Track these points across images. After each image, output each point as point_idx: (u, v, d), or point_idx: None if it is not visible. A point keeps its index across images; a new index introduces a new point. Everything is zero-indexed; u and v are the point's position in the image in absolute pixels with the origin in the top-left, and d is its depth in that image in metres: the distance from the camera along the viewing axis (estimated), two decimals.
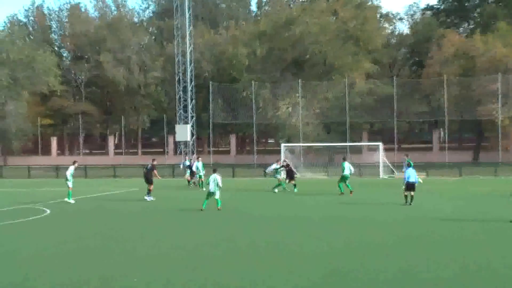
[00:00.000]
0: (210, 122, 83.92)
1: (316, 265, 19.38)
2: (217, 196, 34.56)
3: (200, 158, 54.35)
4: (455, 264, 19.35)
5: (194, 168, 53.11)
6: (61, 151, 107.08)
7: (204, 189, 44.59)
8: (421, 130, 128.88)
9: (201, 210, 34.13)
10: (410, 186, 35.15)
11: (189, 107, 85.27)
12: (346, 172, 42.87)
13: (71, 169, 40.77)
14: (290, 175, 47.27)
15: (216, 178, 34.63)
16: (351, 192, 42.10)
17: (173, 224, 30.13)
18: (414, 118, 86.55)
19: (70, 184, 40.34)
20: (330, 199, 40.20)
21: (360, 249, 22.14)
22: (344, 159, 44.98)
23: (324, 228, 27.59)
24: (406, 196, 35.16)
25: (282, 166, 48.49)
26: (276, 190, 45.83)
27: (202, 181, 50.03)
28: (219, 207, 34.37)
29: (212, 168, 38.76)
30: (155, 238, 25.55)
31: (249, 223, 29.58)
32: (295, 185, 46.00)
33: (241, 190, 48.74)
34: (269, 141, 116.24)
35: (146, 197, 40.92)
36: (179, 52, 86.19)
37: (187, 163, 56.58)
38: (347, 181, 42.91)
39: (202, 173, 51.67)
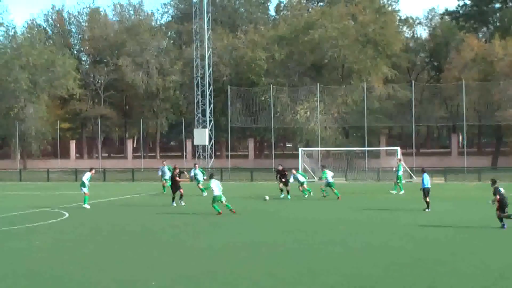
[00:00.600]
0: (228, 126, 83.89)
1: (338, 271, 19.37)
2: (224, 199, 34.73)
3: (197, 165, 52.67)
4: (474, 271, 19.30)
5: (159, 173, 53.20)
6: (80, 154, 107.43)
7: (205, 194, 44.80)
8: (439, 134, 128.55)
9: (219, 213, 34.20)
10: (425, 191, 35.21)
11: (208, 111, 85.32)
12: (331, 180, 44.34)
13: (87, 176, 40.62)
14: (284, 180, 45.44)
15: (218, 183, 35.29)
16: (338, 197, 43.20)
17: (192, 228, 30.10)
18: (432, 122, 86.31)
19: (85, 190, 40.18)
20: (348, 204, 40.14)
21: (379, 253, 22.11)
22: (324, 167, 47.38)
23: (342, 231, 27.55)
24: (428, 203, 35.14)
25: (277, 170, 47.58)
26: (306, 195, 45.51)
27: (201, 188, 48.69)
28: (232, 209, 34.59)
29: (209, 173, 39.42)
30: (173, 242, 25.57)
31: (266, 228, 29.50)
32: (288, 192, 44.81)
33: (259, 195, 48.60)
34: (287, 145, 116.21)
35: (180, 202, 39.96)
36: (197, 56, 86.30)
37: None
38: (334, 188, 43.95)
39: (201, 179, 49.94)
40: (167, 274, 19.29)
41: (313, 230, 28.37)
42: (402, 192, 48.10)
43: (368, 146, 76.97)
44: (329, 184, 43.97)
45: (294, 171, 46.79)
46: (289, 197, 44.44)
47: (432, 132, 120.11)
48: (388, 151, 74.49)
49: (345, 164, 72.30)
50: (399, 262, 20.67)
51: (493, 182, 28.92)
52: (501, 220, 27.88)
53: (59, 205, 41.13)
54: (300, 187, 45.81)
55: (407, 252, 22.62)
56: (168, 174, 49.74)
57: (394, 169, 51.88)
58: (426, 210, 34.86)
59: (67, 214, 36.39)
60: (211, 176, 36.42)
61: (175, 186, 40.61)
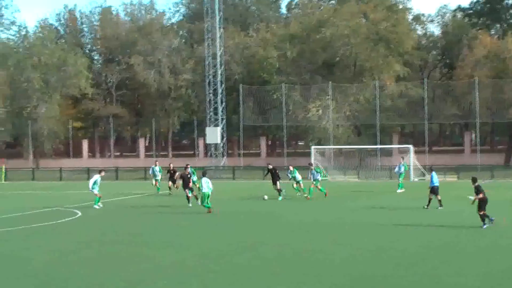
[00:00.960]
0: (241, 124, 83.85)
1: (343, 272, 19.33)
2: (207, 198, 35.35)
3: (157, 162, 53.32)
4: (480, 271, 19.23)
5: (150, 172, 52.90)
6: (92, 153, 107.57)
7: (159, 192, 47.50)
8: (452, 132, 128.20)
9: (209, 212, 34.86)
10: (435, 190, 35.35)
11: (220, 109, 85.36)
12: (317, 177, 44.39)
13: (95, 178, 40.42)
14: (274, 179, 44.48)
15: (208, 181, 35.79)
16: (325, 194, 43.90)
17: (198, 229, 29.93)
18: (445, 120, 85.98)
19: (95, 191, 40.01)
20: (360, 203, 40.08)
21: (389, 255, 22.05)
22: (310, 164, 47.56)
23: (352, 233, 27.51)
24: (440, 200, 35.27)
25: (267, 169, 45.66)
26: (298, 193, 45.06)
27: (157, 186, 50.46)
28: (209, 209, 35.05)
29: (202, 171, 39.27)
30: (180, 243, 25.47)
31: (274, 229, 29.39)
32: (279, 192, 43.71)
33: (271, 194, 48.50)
34: (299, 143, 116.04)
35: (198, 202, 38.17)
36: (209, 55, 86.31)
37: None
38: (319, 184, 44.30)
39: (158, 177, 51.15)
40: (174, 277, 19.30)
41: (318, 231, 28.35)
42: (400, 190, 47.76)
43: (380, 144, 76.87)
44: (315, 181, 43.91)
45: (291, 167, 45.94)
46: (280, 198, 43.41)
47: (444, 130, 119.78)
48: (401, 149, 74.29)
49: (357, 162, 72.15)
50: (404, 263, 20.64)
51: (474, 180, 28.61)
52: (483, 219, 27.70)
53: (72, 204, 41.22)
54: (295, 184, 45.07)
55: (412, 253, 22.55)
56: (159, 175, 50.91)
57: (396, 168, 51.34)
58: (425, 207, 35.24)
59: (79, 213, 36.48)
60: (203, 174, 36.66)
61: (185, 186, 40.27)
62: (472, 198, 28.23)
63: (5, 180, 75.84)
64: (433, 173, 35.96)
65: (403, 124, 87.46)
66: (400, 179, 49.03)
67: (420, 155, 71.08)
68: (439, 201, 35.12)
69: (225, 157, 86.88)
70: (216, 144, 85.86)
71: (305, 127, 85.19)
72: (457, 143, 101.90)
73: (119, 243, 25.80)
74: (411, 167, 61.76)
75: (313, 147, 68.59)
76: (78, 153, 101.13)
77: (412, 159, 63.14)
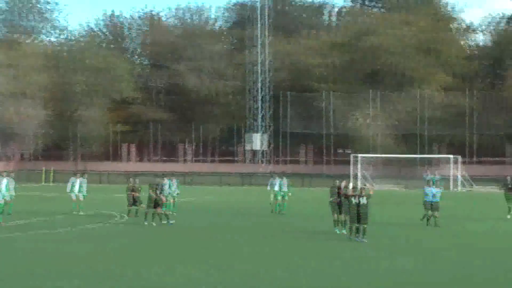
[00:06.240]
0: (286, 132, 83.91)
1: None
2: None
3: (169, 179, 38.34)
4: None
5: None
6: (140, 157, 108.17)
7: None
8: (501, 144, 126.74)
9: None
10: (428, 205, 33.38)
11: (266, 116, 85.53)
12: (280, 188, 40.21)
13: (73, 180, 40.41)
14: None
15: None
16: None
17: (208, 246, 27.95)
18: (492, 131, 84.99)
19: (73, 196, 39.80)
20: (398, 213, 39.95)
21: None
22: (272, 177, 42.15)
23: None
24: (424, 216, 33.50)
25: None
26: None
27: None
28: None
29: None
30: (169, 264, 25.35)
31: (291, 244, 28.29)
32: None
33: (313, 200, 48.46)
34: (344, 151, 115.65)
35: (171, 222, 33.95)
36: (256, 62, 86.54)
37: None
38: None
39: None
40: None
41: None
42: None
43: (424, 154, 76.43)
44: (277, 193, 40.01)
45: (277, 180, 40.90)
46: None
47: (492, 140, 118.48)
48: (447, 159, 73.84)
49: (401, 172, 71.84)
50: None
51: None
52: None
53: (117, 208, 41.51)
54: (280, 198, 40.20)
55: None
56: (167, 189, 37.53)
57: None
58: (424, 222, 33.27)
59: (126, 217, 36.85)
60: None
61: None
62: None
63: (52, 182, 76.71)
64: (426, 187, 34.09)
65: (449, 134, 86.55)
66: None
67: (467, 165, 70.48)
68: (431, 217, 33.00)
69: (271, 163, 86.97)
70: (261, 151, 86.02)
71: (349, 136, 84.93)
72: (504, 154, 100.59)
73: (174, 244, 26.04)
74: (459, 177, 61.33)
75: (357, 155, 68.37)
76: (123, 157, 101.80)
77: (459, 169, 62.72)
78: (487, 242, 27.68)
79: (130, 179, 38.41)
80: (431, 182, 35.22)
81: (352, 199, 27.52)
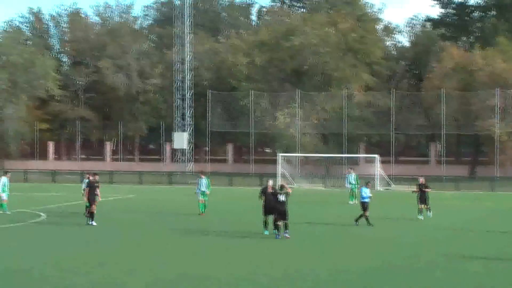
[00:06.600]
0: (208, 131, 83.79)
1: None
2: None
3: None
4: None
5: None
6: (58, 155, 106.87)
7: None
8: (418, 143, 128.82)
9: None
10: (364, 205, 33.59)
11: (187, 114, 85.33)
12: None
13: (2, 180, 38.71)
14: None
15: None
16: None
17: (162, 246, 27.47)
18: (412, 131, 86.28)
19: (4, 196, 38.43)
20: (328, 211, 40.19)
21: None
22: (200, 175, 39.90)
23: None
24: (365, 217, 33.22)
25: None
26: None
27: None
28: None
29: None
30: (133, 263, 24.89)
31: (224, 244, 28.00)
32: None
33: (236, 199, 48.52)
34: (266, 150, 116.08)
35: (90, 222, 32.86)
36: (178, 60, 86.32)
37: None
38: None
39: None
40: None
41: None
42: (352, 202, 46.11)
43: (347, 153, 77.05)
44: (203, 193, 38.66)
45: (202, 175, 39.79)
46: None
47: (411, 140, 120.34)
48: (367, 159, 74.66)
49: (324, 171, 72.29)
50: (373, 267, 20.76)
51: None
52: None
53: (36, 207, 40.90)
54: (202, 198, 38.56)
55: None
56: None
57: (346, 183, 49.24)
58: (355, 223, 33.06)
59: (44, 216, 36.27)
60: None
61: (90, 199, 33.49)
62: None
63: None
64: (363, 188, 34.39)
65: (370, 133, 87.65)
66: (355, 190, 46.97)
67: (386, 165, 71.36)
68: (366, 218, 32.92)
69: (191, 162, 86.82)
70: (183, 150, 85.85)
71: (272, 135, 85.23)
72: (423, 154, 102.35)
73: (86, 244, 25.70)
74: (377, 177, 61.97)
75: (279, 154, 68.52)
76: (44, 155, 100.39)
77: (377, 168, 63.38)
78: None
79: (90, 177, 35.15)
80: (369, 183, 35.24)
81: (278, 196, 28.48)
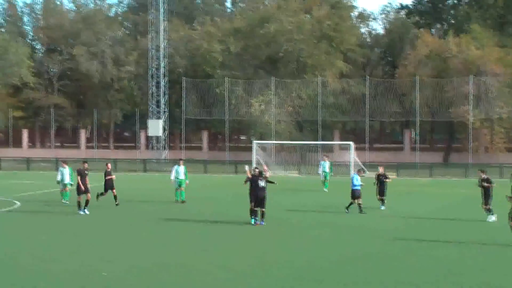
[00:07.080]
0: (183, 118, 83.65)
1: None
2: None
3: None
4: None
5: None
6: (33, 143, 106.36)
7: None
8: (392, 130, 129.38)
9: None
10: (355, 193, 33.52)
11: (162, 102, 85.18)
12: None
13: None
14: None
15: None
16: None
17: (137, 235, 27.56)
18: (386, 118, 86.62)
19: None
20: (303, 199, 40.32)
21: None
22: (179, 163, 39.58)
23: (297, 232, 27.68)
24: (358, 204, 33.21)
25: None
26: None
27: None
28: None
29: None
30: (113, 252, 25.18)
31: (198, 232, 28.35)
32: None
33: (212, 186, 48.57)
34: (241, 138, 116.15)
35: (83, 211, 32.84)
36: (153, 47, 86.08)
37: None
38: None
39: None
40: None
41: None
42: (326, 189, 46.52)
43: (322, 140, 77.16)
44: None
45: (181, 162, 39.60)
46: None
47: (385, 127, 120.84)
48: (342, 146, 74.80)
49: (298, 158, 72.40)
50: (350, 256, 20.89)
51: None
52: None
53: (11, 194, 40.75)
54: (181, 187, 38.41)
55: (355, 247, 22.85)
56: (68, 178, 38.53)
57: (320, 170, 49.13)
58: (346, 211, 33.09)
59: (18, 203, 36.14)
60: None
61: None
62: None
63: None
64: (354, 175, 34.29)
65: (345, 120, 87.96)
66: (328, 177, 47.64)
67: (360, 151, 71.60)
68: (359, 206, 32.93)
69: (166, 150, 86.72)
70: (158, 137, 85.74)
71: (247, 122, 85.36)
72: (398, 141, 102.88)
73: (62, 231, 25.66)
74: (351, 163, 62.14)
75: (254, 141, 68.53)
76: (18, 143, 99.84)
77: (352, 155, 63.55)
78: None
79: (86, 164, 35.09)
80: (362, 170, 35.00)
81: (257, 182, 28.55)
